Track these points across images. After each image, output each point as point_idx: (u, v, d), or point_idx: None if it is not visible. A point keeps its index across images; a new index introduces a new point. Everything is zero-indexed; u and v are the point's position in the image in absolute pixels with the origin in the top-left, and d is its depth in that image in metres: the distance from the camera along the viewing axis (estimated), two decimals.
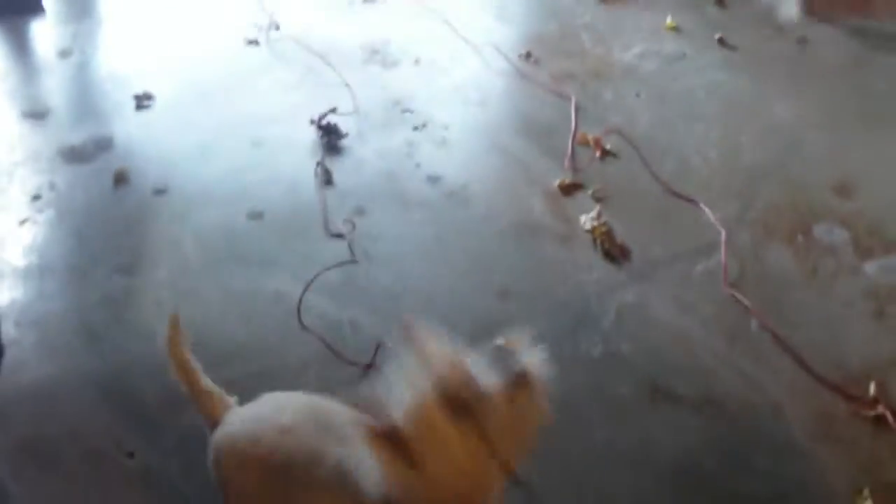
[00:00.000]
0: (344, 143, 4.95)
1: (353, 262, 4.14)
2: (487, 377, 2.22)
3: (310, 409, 2.57)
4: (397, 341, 2.22)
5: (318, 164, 4.78)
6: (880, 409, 3.44)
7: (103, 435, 3.45)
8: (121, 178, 4.78)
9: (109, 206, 4.64)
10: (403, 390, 2.17)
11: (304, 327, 3.78)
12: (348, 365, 3.61)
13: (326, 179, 4.71)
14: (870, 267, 4.13)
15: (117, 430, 3.47)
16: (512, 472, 2.23)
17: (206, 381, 2.75)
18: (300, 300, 3.86)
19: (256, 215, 4.51)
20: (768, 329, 3.79)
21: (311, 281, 3.97)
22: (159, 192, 4.69)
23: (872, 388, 3.52)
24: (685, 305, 3.93)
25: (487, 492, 2.24)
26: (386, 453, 2.14)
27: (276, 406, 2.63)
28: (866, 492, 3.15)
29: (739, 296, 3.95)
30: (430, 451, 2.13)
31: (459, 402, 2.13)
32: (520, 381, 2.24)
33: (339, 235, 4.34)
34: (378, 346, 3.57)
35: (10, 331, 3.88)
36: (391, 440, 2.14)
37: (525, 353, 2.33)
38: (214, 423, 2.70)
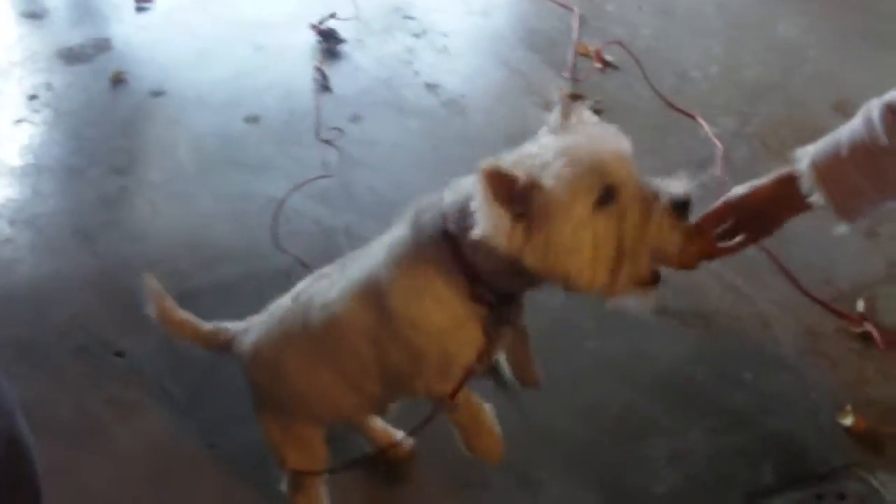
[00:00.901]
0: (343, 48, 4.94)
1: (328, 176, 4.16)
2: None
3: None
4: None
5: (315, 69, 4.75)
6: (867, 326, 3.45)
7: (94, 333, 3.48)
8: (118, 80, 4.77)
9: (106, 108, 4.63)
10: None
11: (277, 246, 3.77)
12: None
13: (324, 85, 4.70)
14: None
15: (108, 329, 3.50)
16: (643, 278, 2.07)
17: (203, 325, 2.72)
18: (278, 210, 3.87)
19: (252, 119, 4.50)
20: (760, 245, 3.78)
21: (286, 197, 3.99)
22: (156, 94, 4.69)
23: (860, 306, 3.53)
24: None
25: (599, 286, 2.06)
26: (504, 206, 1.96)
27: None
28: (849, 407, 3.17)
29: None
30: (560, 220, 1.97)
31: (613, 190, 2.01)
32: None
33: (327, 142, 4.33)
34: None
35: (4, 229, 3.91)
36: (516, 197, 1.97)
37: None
38: (227, 348, 2.69)
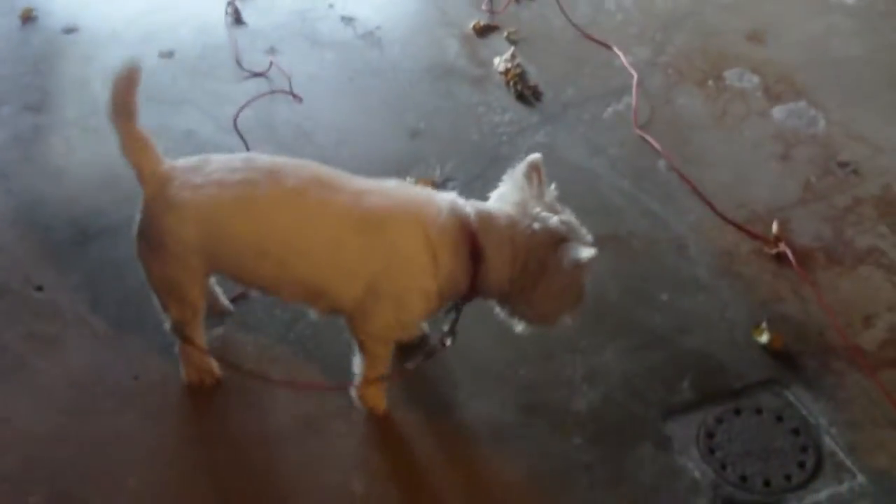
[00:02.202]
0: None
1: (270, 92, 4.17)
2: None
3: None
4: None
5: (228, 3, 4.70)
6: (782, 247, 3.51)
7: (12, 269, 3.44)
8: (28, 17, 4.69)
9: (17, 45, 4.55)
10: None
11: None
12: None
13: (237, 19, 4.65)
14: (778, 112, 4.19)
15: (26, 264, 3.46)
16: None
17: (142, 129, 2.74)
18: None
19: (167, 54, 4.45)
20: (676, 170, 3.84)
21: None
22: (69, 31, 4.61)
23: (775, 227, 3.59)
24: (595, 147, 3.97)
25: None
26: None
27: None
28: (764, 324, 3.23)
29: (649, 137, 4.00)
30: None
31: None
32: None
33: (259, 74, 4.30)
34: None
35: None
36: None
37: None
38: (142, 175, 2.74)
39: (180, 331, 2.96)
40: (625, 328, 3.26)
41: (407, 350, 3.04)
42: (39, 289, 3.36)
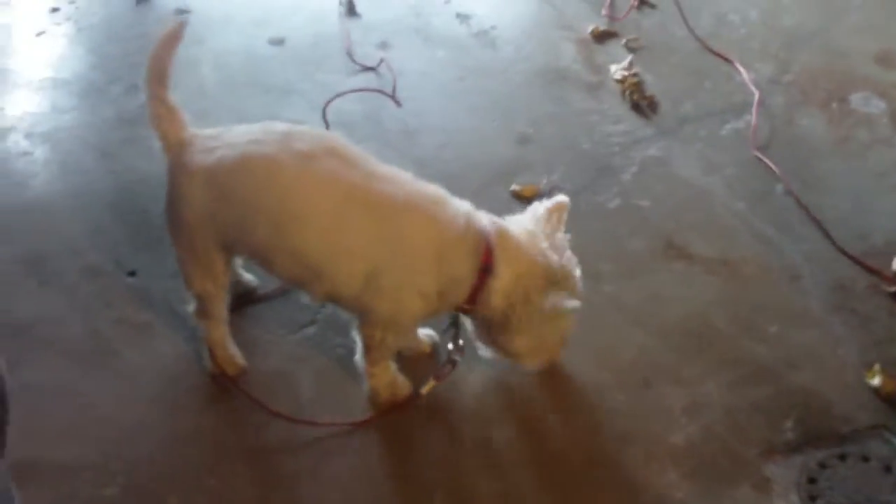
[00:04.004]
0: None
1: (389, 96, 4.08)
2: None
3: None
4: None
5: None
6: None
7: (106, 252, 3.41)
8: None
9: (129, 24, 4.55)
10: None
11: None
12: None
13: (351, 10, 4.59)
14: None
15: (121, 248, 3.44)
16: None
17: (172, 98, 2.75)
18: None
19: (278, 42, 4.41)
20: (793, 195, 3.68)
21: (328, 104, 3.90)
22: (181, 11, 4.60)
23: (895, 264, 3.42)
24: (710, 165, 3.83)
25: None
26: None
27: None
28: (878, 367, 3.07)
29: (766, 159, 3.83)
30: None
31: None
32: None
33: (369, 68, 4.24)
34: None
35: (20, 142, 3.85)
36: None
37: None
38: (167, 143, 2.75)
39: (202, 310, 2.92)
40: (730, 359, 3.12)
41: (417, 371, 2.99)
42: (132, 274, 3.33)
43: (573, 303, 2.61)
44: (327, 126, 3.80)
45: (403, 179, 2.66)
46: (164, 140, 2.74)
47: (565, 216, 2.74)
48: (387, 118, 3.99)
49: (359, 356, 2.87)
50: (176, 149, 2.72)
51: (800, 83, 4.29)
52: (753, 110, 4.07)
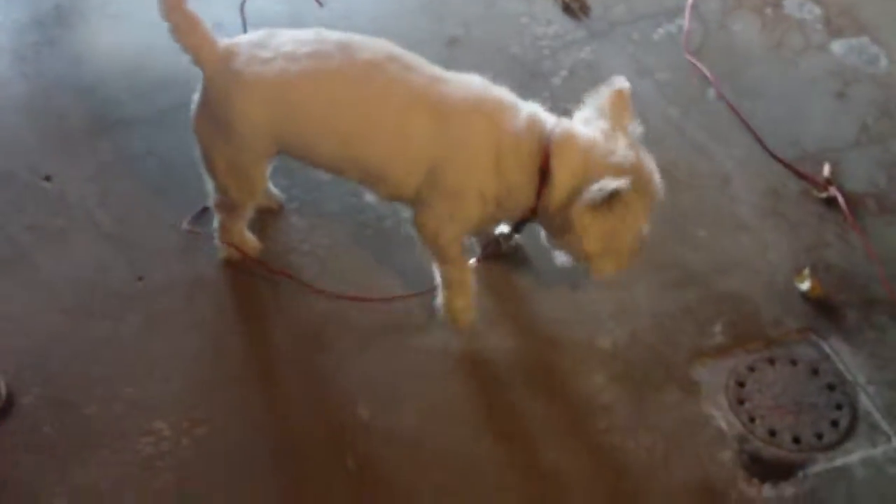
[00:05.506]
0: None
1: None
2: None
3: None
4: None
5: None
6: (832, 190, 3.32)
7: (20, 157, 3.31)
8: None
9: None
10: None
11: None
12: None
13: None
14: (838, 46, 3.95)
15: (36, 153, 3.33)
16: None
17: (192, 9, 2.61)
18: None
19: None
20: (725, 100, 3.63)
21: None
22: None
23: (826, 170, 3.39)
24: (642, 68, 3.76)
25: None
26: None
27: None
28: (807, 271, 3.06)
29: (699, 63, 3.78)
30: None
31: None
32: None
33: None
34: None
35: None
36: None
37: None
38: (200, 55, 2.63)
39: (226, 207, 2.89)
40: (658, 263, 3.08)
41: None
42: (47, 178, 3.24)
43: (615, 182, 2.39)
44: (245, 26, 3.68)
45: (468, 81, 2.62)
46: (196, 53, 2.62)
47: (630, 103, 2.58)
48: (312, 20, 3.84)
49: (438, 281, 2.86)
50: (215, 60, 2.60)
51: None
52: (686, 14, 3.99)
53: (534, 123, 2.55)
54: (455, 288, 2.83)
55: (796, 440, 2.71)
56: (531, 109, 2.59)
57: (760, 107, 3.65)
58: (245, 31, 3.61)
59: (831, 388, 2.82)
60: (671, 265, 3.11)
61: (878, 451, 2.69)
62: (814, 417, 2.76)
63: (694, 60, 3.79)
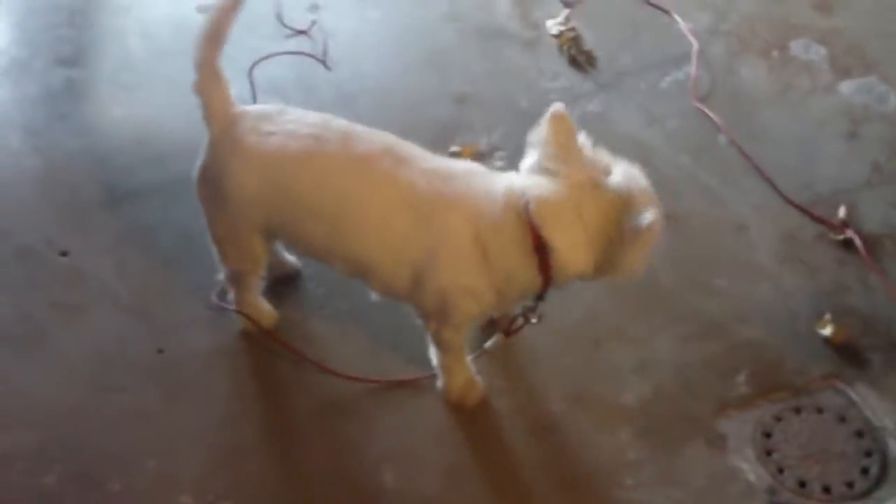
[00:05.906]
0: None
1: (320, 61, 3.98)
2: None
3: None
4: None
5: None
6: (848, 233, 3.31)
7: (36, 233, 3.30)
8: None
9: None
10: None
11: None
12: None
13: None
14: (846, 86, 3.96)
15: (51, 228, 3.32)
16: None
17: (220, 66, 2.64)
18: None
19: (205, 8, 4.27)
20: (736, 145, 3.64)
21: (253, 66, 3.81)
22: None
23: (842, 212, 3.38)
24: (651, 117, 3.77)
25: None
26: None
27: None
28: (828, 316, 3.04)
29: (708, 110, 3.78)
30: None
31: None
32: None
33: (302, 31, 4.12)
34: None
35: None
36: None
37: None
38: (210, 111, 2.67)
39: (234, 280, 2.91)
40: (678, 316, 3.09)
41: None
42: (64, 254, 3.23)
43: (651, 214, 2.30)
44: (253, 91, 3.70)
45: (456, 171, 2.57)
46: (209, 109, 2.65)
47: (569, 121, 2.48)
48: (320, 83, 3.88)
49: (431, 352, 2.83)
50: (222, 122, 2.64)
51: (739, 32, 4.24)
52: (693, 61, 4.01)
53: (511, 203, 2.44)
54: (451, 366, 2.81)
55: (826, 490, 2.68)
56: (507, 184, 2.49)
57: (771, 151, 3.64)
58: (254, 94, 3.69)
59: (859, 434, 2.79)
60: (691, 316, 3.09)
61: None
62: (843, 466, 2.73)
63: (703, 107, 3.80)
